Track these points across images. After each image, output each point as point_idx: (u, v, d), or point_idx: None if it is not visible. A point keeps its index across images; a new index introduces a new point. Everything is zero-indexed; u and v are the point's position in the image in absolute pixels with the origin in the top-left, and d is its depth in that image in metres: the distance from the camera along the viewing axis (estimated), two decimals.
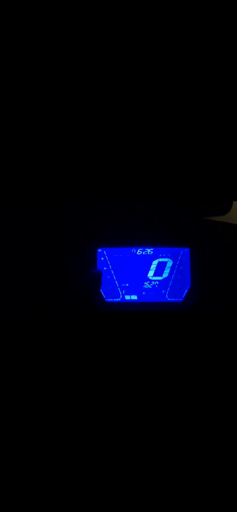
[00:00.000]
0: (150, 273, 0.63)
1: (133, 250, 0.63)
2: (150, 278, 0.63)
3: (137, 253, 0.63)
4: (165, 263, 0.63)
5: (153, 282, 0.63)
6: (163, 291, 0.63)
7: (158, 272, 0.63)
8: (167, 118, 0.51)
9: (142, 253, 0.63)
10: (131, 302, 0.63)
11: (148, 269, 0.63)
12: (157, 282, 0.63)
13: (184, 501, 0.46)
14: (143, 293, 0.63)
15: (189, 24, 0.49)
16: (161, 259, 0.63)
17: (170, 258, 0.63)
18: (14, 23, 0.49)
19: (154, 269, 0.63)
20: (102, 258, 0.63)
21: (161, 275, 0.63)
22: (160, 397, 0.50)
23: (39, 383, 0.50)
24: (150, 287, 0.63)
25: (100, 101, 0.50)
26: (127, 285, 0.63)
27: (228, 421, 0.48)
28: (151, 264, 0.63)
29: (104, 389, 0.50)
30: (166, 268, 0.63)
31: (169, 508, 0.46)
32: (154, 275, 0.63)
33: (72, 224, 0.63)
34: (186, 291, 0.62)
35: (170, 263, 0.63)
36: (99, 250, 0.63)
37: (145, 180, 0.52)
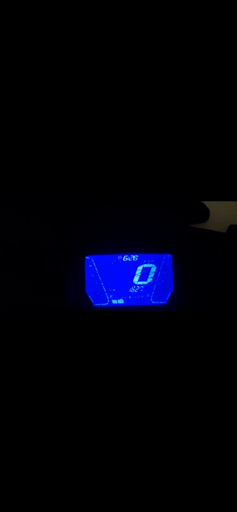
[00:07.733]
0: (136, 278, 0.67)
1: (119, 257, 0.67)
2: (136, 283, 0.67)
3: (123, 259, 0.67)
4: (149, 268, 0.67)
5: (138, 287, 0.67)
6: (148, 295, 0.67)
7: (143, 277, 0.67)
8: (164, 117, 0.52)
9: (128, 259, 0.67)
10: (118, 306, 0.67)
11: (134, 275, 0.67)
12: (142, 287, 0.67)
13: (184, 500, 0.47)
14: (129, 297, 0.67)
15: (189, 24, 0.50)
16: (145, 265, 0.67)
17: (154, 264, 0.67)
18: (14, 23, 0.50)
19: (139, 274, 0.67)
20: (90, 265, 0.66)
21: (145, 280, 0.67)
22: (160, 397, 0.52)
23: (39, 383, 0.51)
24: (135, 291, 0.67)
25: (100, 101, 0.51)
26: (114, 290, 0.67)
27: (228, 421, 0.50)
28: (136, 269, 0.67)
29: (104, 389, 0.52)
30: (150, 273, 0.67)
31: (169, 508, 0.47)
32: (139, 280, 0.67)
33: (60, 233, 0.66)
34: (169, 294, 0.66)
35: (154, 268, 0.67)
36: (87, 258, 0.66)
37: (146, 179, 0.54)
